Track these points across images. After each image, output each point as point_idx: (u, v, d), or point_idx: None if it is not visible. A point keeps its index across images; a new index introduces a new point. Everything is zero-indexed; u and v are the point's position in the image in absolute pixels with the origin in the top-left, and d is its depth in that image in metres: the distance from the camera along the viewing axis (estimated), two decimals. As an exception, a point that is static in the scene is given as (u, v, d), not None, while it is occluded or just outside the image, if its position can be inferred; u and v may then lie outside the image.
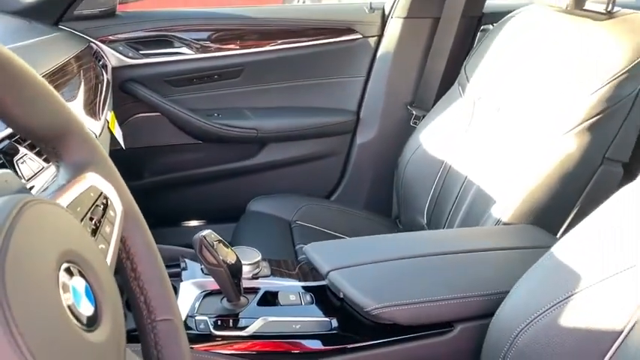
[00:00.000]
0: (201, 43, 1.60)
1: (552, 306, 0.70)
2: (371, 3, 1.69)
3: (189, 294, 0.85)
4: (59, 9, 1.42)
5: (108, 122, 1.22)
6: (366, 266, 0.88)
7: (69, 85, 1.10)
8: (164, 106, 1.58)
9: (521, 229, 1.02)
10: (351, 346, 0.81)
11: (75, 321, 0.34)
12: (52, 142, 0.47)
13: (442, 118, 1.41)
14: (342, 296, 0.85)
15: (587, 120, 1.03)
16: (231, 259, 0.81)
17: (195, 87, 1.63)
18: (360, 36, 1.68)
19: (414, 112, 1.65)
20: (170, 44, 1.58)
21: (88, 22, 1.49)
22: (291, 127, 1.67)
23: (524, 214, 1.06)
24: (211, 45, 1.61)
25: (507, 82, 1.26)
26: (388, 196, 1.58)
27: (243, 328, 0.80)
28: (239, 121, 1.62)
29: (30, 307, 0.31)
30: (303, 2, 2.92)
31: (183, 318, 0.79)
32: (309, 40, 1.66)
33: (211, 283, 0.86)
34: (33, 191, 0.71)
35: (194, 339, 0.78)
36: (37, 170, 0.75)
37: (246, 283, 0.87)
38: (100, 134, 1.11)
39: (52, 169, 0.75)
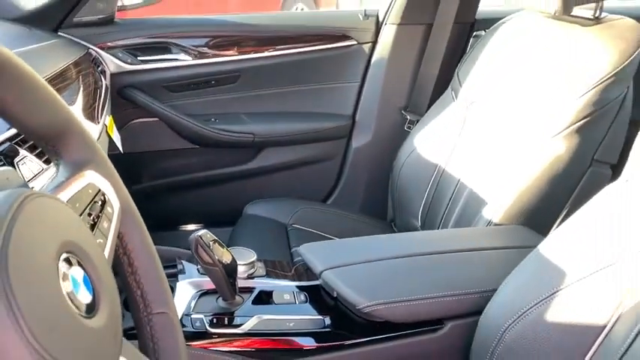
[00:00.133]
0: (198, 49, 1.62)
1: (538, 302, 0.72)
2: (365, 10, 1.72)
3: (185, 293, 0.87)
4: (59, 16, 1.44)
5: (106, 126, 1.24)
6: (358, 265, 0.90)
7: (68, 89, 1.12)
8: (162, 112, 1.59)
9: (511, 230, 1.04)
10: (344, 343, 0.83)
11: (74, 308, 0.36)
12: (52, 141, 0.49)
13: (436, 123, 1.43)
14: (335, 295, 0.87)
15: (575, 123, 1.05)
16: (226, 258, 0.83)
17: (192, 92, 1.65)
18: (355, 42, 1.70)
19: (408, 117, 1.67)
20: (168, 50, 1.60)
21: (87, 29, 1.51)
22: (287, 131, 1.69)
23: (515, 215, 1.08)
24: (208, 51, 1.63)
25: (499, 87, 1.28)
26: (383, 199, 1.59)
27: (238, 326, 0.82)
28: (236, 126, 1.64)
29: (32, 294, 0.33)
30: (302, 9, 2.96)
31: (180, 317, 0.81)
32: (304, 47, 1.68)
33: (207, 283, 0.88)
34: (33, 191, 0.73)
35: (190, 337, 0.80)
36: (37, 172, 0.77)
37: (241, 283, 0.89)
38: (99, 138, 1.13)
39: (52, 170, 0.77)
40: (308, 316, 0.85)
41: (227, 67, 1.65)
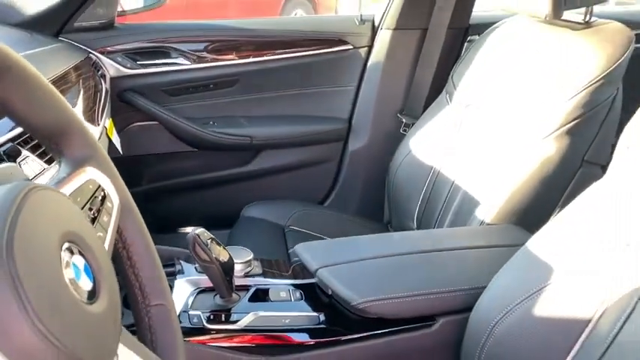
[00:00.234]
0: (197, 53, 1.64)
1: (525, 298, 0.74)
2: (361, 15, 1.73)
3: (183, 291, 0.89)
4: (60, 21, 1.46)
5: (106, 128, 1.26)
6: (353, 264, 0.92)
7: (69, 93, 1.14)
8: (161, 115, 1.61)
9: (502, 229, 1.06)
10: (339, 339, 0.85)
11: (76, 294, 0.38)
12: (55, 139, 0.51)
13: (431, 125, 1.45)
14: (330, 293, 0.89)
15: (565, 125, 1.08)
16: (223, 257, 0.85)
17: (191, 96, 1.66)
18: (351, 47, 1.72)
19: (403, 120, 1.69)
20: (167, 55, 1.62)
21: (88, 34, 1.53)
22: (284, 134, 1.71)
23: (507, 215, 1.09)
24: (207, 55, 1.65)
25: (492, 90, 1.30)
26: (380, 201, 1.61)
27: (234, 322, 0.84)
28: (234, 129, 1.66)
29: (36, 279, 0.35)
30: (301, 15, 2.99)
31: (177, 313, 0.83)
32: (302, 51, 1.70)
33: (205, 281, 0.90)
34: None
35: (187, 332, 0.81)
36: (39, 171, 0.79)
37: (238, 281, 0.90)
38: (99, 140, 1.15)
39: (53, 170, 0.79)
40: (303, 313, 0.87)
41: (225, 71, 1.67)
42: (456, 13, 1.62)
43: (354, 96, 1.75)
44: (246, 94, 1.71)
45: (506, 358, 0.75)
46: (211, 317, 0.84)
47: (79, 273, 0.40)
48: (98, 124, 1.17)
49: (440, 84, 1.54)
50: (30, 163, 0.78)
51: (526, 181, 1.09)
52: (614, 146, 1.10)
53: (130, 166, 1.61)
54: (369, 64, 1.72)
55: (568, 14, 1.18)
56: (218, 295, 0.88)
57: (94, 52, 1.52)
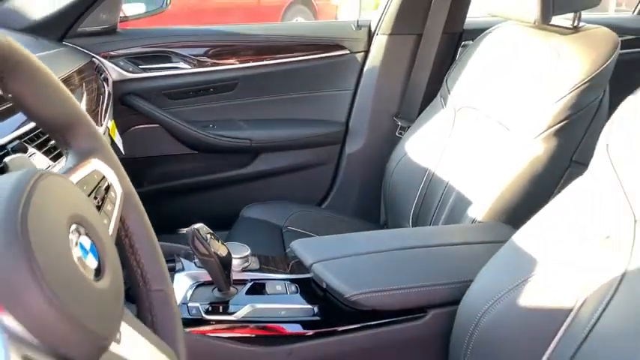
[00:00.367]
0: (197, 58, 1.67)
1: (510, 289, 0.77)
2: (358, 21, 1.77)
3: (182, 284, 0.92)
4: (64, 26, 1.49)
5: (109, 129, 1.29)
6: (347, 258, 0.95)
7: (72, 95, 1.17)
8: (162, 118, 1.64)
9: (491, 226, 1.10)
10: (332, 330, 0.88)
11: (83, 270, 0.41)
12: (62, 132, 0.54)
13: (426, 128, 1.48)
14: (324, 286, 0.92)
15: (553, 126, 1.11)
16: (222, 251, 0.88)
17: (191, 100, 1.69)
18: (348, 52, 1.76)
19: (399, 123, 1.72)
20: (168, 59, 1.64)
21: (91, 39, 1.55)
22: (283, 137, 1.74)
23: (498, 213, 1.13)
24: (207, 60, 1.67)
25: (484, 93, 1.34)
26: (376, 202, 1.64)
27: (232, 314, 0.87)
28: (233, 132, 1.69)
29: (48, 255, 0.38)
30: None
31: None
32: (300, 56, 1.73)
33: (204, 275, 0.93)
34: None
35: (186, 323, 0.84)
36: (46, 167, 0.82)
37: (235, 275, 0.93)
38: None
39: (59, 166, 0.83)
40: (298, 305, 0.90)
41: (225, 76, 1.70)
42: (449, 18, 1.66)
43: (351, 100, 1.78)
44: (246, 97, 1.73)
45: (492, 346, 0.78)
46: (210, 309, 0.87)
47: (85, 252, 0.43)
48: (101, 125, 1.20)
49: (434, 88, 1.57)
50: (36, 160, 0.81)
51: (516, 180, 1.13)
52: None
53: (131, 168, 1.63)
54: (365, 68, 1.75)
55: (558, 20, 1.22)
56: (216, 289, 0.91)
57: (97, 56, 1.54)
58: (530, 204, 1.15)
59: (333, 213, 1.68)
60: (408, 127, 1.60)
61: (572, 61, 1.13)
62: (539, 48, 1.23)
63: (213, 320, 0.85)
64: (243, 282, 0.94)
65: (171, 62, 1.65)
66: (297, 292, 0.93)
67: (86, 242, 0.44)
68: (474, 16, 1.81)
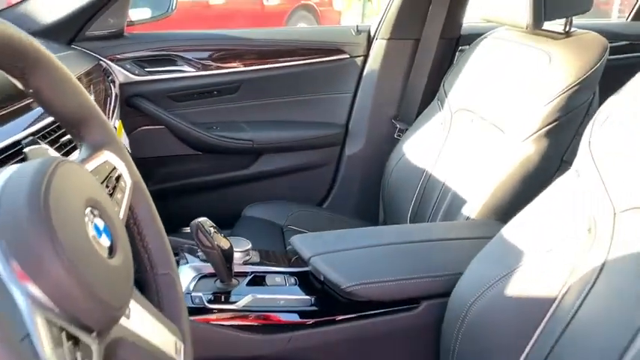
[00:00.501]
0: (201, 61, 1.70)
1: (497, 280, 0.81)
2: (357, 26, 1.81)
3: (186, 275, 0.96)
4: (72, 30, 1.53)
5: (116, 129, 1.34)
6: (343, 252, 0.99)
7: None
8: (167, 120, 1.67)
9: (482, 223, 1.13)
10: (329, 319, 0.92)
11: (98, 248, 0.45)
12: (77, 125, 0.59)
13: (423, 131, 1.52)
14: (322, 278, 0.96)
15: (544, 127, 1.15)
16: (224, 244, 0.92)
17: (196, 102, 1.73)
18: (348, 56, 1.80)
19: (398, 126, 1.76)
20: (173, 62, 1.68)
21: (99, 42, 1.59)
22: (284, 139, 1.77)
23: (491, 211, 1.16)
24: (211, 63, 1.71)
25: (479, 96, 1.37)
26: (375, 202, 1.67)
27: (233, 303, 0.91)
28: (236, 134, 1.72)
29: (68, 232, 0.42)
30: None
31: None
32: (301, 60, 1.77)
33: (206, 268, 0.97)
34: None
35: (190, 312, 0.87)
36: (60, 160, 0.86)
37: (237, 268, 0.97)
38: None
39: (72, 158, 0.87)
40: (297, 296, 0.94)
41: (228, 79, 1.74)
42: (447, 24, 1.70)
43: (351, 102, 1.82)
44: (248, 100, 1.77)
45: (481, 334, 0.82)
46: (212, 298, 0.91)
47: (99, 232, 0.47)
48: (108, 125, 1.25)
49: (432, 91, 1.61)
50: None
51: (508, 179, 1.16)
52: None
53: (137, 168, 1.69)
54: (364, 72, 1.79)
55: (551, 26, 1.27)
56: (219, 280, 0.95)
57: (104, 59, 1.58)
58: (522, 202, 1.18)
59: (333, 213, 1.72)
60: (407, 130, 1.63)
61: (562, 65, 1.17)
62: (531, 52, 1.27)
63: (215, 309, 0.89)
64: (244, 274, 0.98)
65: (176, 65, 1.69)
66: (295, 284, 0.97)
67: (100, 223, 0.48)
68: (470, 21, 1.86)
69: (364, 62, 1.80)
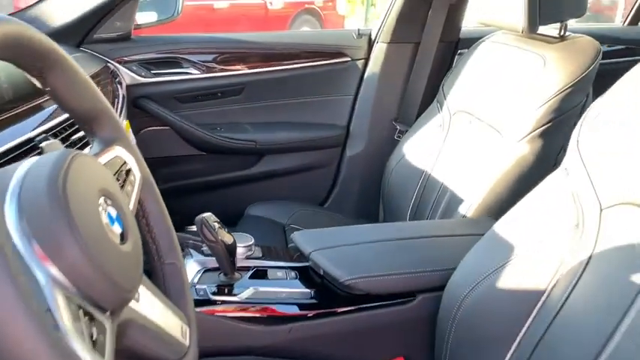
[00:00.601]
0: (206, 64, 1.74)
1: (489, 273, 0.84)
2: (359, 29, 1.85)
3: (191, 269, 0.99)
4: (81, 33, 1.57)
5: (123, 129, 1.37)
6: (343, 247, 1.03)
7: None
8: (172, 121, 1.71)
9: (477, 220, 1.17)
10: (328, 311, 0.95)
11: (111, 234, 0.49)
12: (90, 122, 0.62)
13: (423, 132, 1.55)
14: (322, 273, 0.99)
15: (538, 128, 1.18)
16: (227, 239, 0.96)
17: (200, 103, 1.76)
18: (349, 59, 1.83)
19: (398, 127, 1.79)
20: (179, 65, 1.72)
21: (106, 45, 1.63)
22: (286, 140, 1.81)
23: (487, 209, 1.20)
24: (216, 66, 1.75)
25: (477, 98, 1.41)
26: (375, 202, 1.70)
27: (236, 295, 0.94)
28: (240, 134, 1.76)
29: (84, 218, 0.45)
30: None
31: None
32: (303, 62, 1.80)
33: (210, 262, 1.00)
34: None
35: (194, 304, 0.92)
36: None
37: (240, 263, 1.01)
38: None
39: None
40: (297, 289, 0.98)
41: (232, 81, 1.77)
42: (446, 28, 1.73)
43: (352, 104, 1.85)
44: (252, 101, 1.80)
45: (473, 325, 0.85)
46: (216, 291, 0.95)
47: (112, 220, 0.51)
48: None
49: (431, 94, 1.64)
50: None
51: (504, 178, 1.20)
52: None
53: None
54: (365, 75, 1.83)
55: (547, 30, 1.30)
56: (222, 274, 0.99)
57: (111, 61, 1.62)
58: (517, 200, 1.22)
59: (334, 212, 1.75)
60: (407, 131, 1.66)
61: (556, 68, 1.20)
62: (527, 56, 1.31)
63: (219, 301, 0.93)
64: (246, 268, 1.02)
65: (182, 68, 1.72)
66: (296, 278, 1.01)
67: (112, 212, 0.51)
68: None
69: (365, 65, 1.84)
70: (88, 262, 0.43)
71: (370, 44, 1.84)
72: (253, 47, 1.79)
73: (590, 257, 0.75)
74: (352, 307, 0.95)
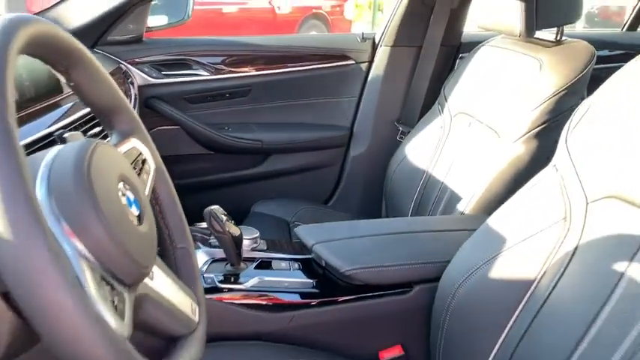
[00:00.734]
0: (215, 66, 1.79)
1: (482, 264, 0.89)
2: (363, 33, 1.90)
3: (199, 259, 1.04)
4: (95, 35, 1.63)
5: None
6: (344, 240, 1.07)
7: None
8: (182, 120, 1.75)
9: (473, 217, 1.21)
10: (329, 300, 1.00)
11: (129, 215, 0.54)
12: (109, 115, 0.67)
13: (425, 133, 1.59)
14: (324, 264, 1.04)
15: (534, 129, 1.23)
16: (234, 231, 1.01)
17: (209, 104, 1.80)
18: (353, 62, 1.88)
19: (400, 128, 1.83)
20: (189, 67, 1.76)
21: (119, 47, 1.68)
22: (292, 140, 1.85)
23: (483, 206, 1.24)
24: (224, 68, 1.80)
25: (477, 101, 1.45)
26: (378, 202, 1.74)
27: (241, 283, 0.99)
28: (247, 134, 1.80)
29: (105, 199, 0.50)
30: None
31: None
32: (309, 65, 1.85)
33: (218, 253, 1.05)
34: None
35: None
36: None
37: (245, 254, 1.06)
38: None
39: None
40: (300, 279, 1.03)
41: (240, 82, 1.82)
42: (447, 32, 1.78)
43: (356, 106, 1.89)
44: (258, 102, 1.85)
45: (467, 313, 0.90)
46: (222, 279, 0.99)
47: (130, 203, 0.56)
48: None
49: (433, 96, 1.68)
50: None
51: (500, 177, 1.24)
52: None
53: None
54: (369, 77, 1.87)
55: (545, 34, 1.35)
56: (229, 264, 1.04)
57: (124, 62, 1.67)
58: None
59: (336, 210, 1.79)
60: (409, 132, 1.71)
61: (552, 71, 1.25)
62: (524, 59, 1.35)
63: (225, 288, 0.98)
64: (252, 260, 1.06)
65: (191, 69, 1.77)
66: (299, 269, 1.06)
67: (131, 196, 0.56)
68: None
69: (369, 68, 1.88)
70: (110, 240, 0.48)
71: (374, 48, 1.89)
72: (260, 50, 1.84)
73: (576, 248, 0.80)
74: (352, 297, 1.00)
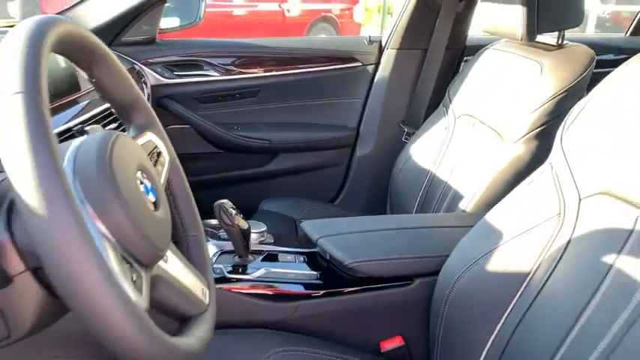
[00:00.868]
0: (225, 67, 1.83)
1: (479, 258, 0.92)
2: (369, 36, 1.94)
3: (209, 251, 1.09)
4: (109, 36, 1.67)
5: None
6: (347, 235, 1.11)
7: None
8: (193, 120, 1.80)
9: (472, 214, 1.25)
10: (332, 291, 1.04)
11: (147, 201, 0.58)
12: (127, 110, 0.72)
13: (429, 134, 1.62)
14: (328, 257, 1.08)
15: (534, 130, 1.26)
16: (242, 224, 1.05)
17: (219, 104, 1.85)
18: (360, 64, 1.92)
19: (405, 129, 1.87)
20: (200, 67, 1.81)
21: (133, 48, 1.72)
22: (299, 139, 1.89)
23: (484, 205, 1.27)
24: (234, 69, 1.84)
25: (480, 102, 1.48)
26: (383, 201, 1.77)
27: (249, 274, 1.04)
28: (255, 134, 1.85)
29: (125, 186, 0.55)
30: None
31: None
32: (316, 67, 1.89)
33: (227, 245, 1.10)
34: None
35: None
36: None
37: (253, 247, 1.10)
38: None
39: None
40: (305, 271, 1.07)
41: (249, 83, 1.86)
42: (452, 36, 1.82)
43: (362, 107, 1.93)
44: (267, 103, 1.89)
45: (465, 304, 0.93)
46: (231, 270, 1.04)
47: (147, 190, 0.60)
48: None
49: (438, 98, 1.71)
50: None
51: (500, 176, 1.27)
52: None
53: None
54: (375, 79, 1.91)
55: (547, 38, 1.38)
56: (237, 256, 1.08)
57: (137, 63, 1.72)
58: None
59: (342, 209, 1.83)
60: (414, 133, 1.74)
61: (552, 74, 1.28)
62: (526, 63, 1.39)
63: (233, 279, 1.02)
64: (259, 252, 1.11)
65: (203, 70, 1.82)
66: (304, 262, 1.10)
67: (148, 184, 0.61)
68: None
69: (375, 70, 1.92)
70: (131, 223, 0.53)
71: (380, 50, 1.93)
72: (269, 52, 1.88)
73: (568, 242, 0.83)
74: (355, 289, 1.04)
